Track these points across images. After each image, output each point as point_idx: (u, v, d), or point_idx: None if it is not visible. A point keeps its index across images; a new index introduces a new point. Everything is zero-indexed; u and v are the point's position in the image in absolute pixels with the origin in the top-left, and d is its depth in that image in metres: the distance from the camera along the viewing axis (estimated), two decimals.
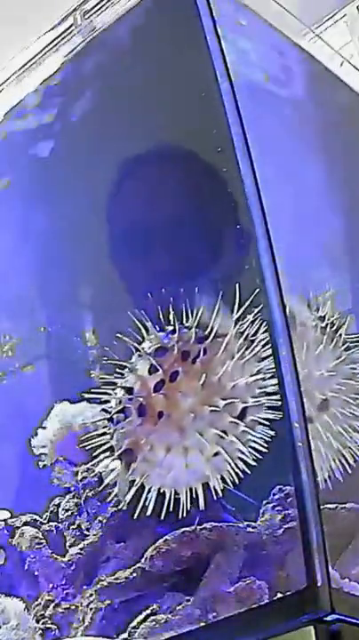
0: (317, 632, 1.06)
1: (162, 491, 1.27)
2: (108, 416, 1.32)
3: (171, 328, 1.30)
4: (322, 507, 1.13)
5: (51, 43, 1.62)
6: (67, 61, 1.60)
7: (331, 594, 1.08)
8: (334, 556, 1.24)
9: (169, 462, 1.25)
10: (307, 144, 1.56)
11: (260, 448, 1.24)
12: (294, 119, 1.55)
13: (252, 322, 1.25)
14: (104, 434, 1.32)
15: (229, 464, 1.25)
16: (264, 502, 1.28)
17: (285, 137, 1.49)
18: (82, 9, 1.58)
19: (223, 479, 1.26)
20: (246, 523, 1.27)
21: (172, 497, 1.26)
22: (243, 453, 1.25)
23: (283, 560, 1.20)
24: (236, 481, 1.26)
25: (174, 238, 1.44)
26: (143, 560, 1.28)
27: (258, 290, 1.23)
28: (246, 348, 1.25)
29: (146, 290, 1.37)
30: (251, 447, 1.25)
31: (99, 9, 1.56)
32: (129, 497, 1.28)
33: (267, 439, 1.23)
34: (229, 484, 1.26)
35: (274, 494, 1.28)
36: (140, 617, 1.24)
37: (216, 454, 1.25)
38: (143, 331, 1.32)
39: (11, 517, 1.48)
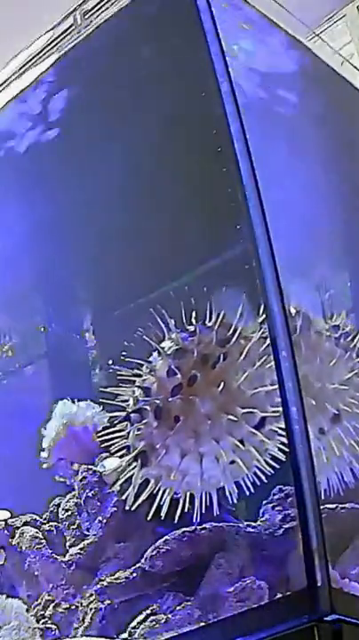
0: (319, 631, 1.06)
1: (176, 494, 1.26)
2: (123, 414, 1.30)
3: (191, 329, 1.28)
4: (322, 507, 1.13)
5: (51, 43, 1.62)
6: (67, 60, 1.60)
7: (331, 594, 1.07)
8: (334, 557, 1.24)
9: (184, 467, 1.24)
10: (308, 144, 1.56)
11: (278, 456, 1.23)
12: (295, 119, 1.55)
13: None
14: (120, 430, 1.31)
15: (246, 473, 1.24)
16: (264, 502, 1.28)
17: (286, 137, 1.49)
18: (82, 9, 1.58)
19: (238, 485, 1.26)
20: (246, 523, 1.27)
21: (187, 501, 1.25)
22: (259, 462, 1.24)
23: (283, 560, 1.20)
24: (252, 489, 1.25)
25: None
26: (143, 560, 1.27)
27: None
28: (269, 355, 1.21)
29: (169, 288, 1.36)
30: (269, 455, 1.24)
31: (99, 9, 1.56)
32: (141, 498, 1.27)
33: (284, 448, 1.20)
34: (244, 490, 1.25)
35: (274, 494, 1.28)
36: (140, 617, 1.24)
37: (232, 462, 1.24)
38: (164, 329, 1.29)
39: (11, 517, 1.48)
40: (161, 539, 1.26)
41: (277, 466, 1.23)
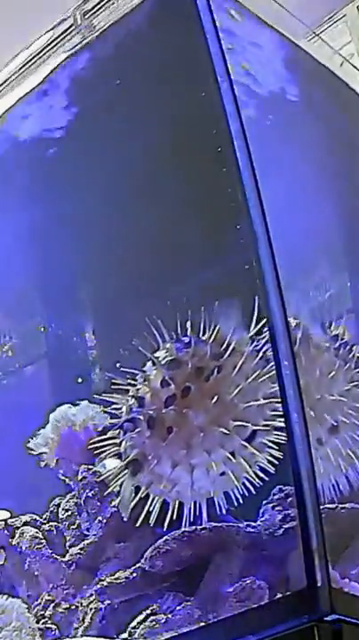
0: (319, 631, 1.06)
1: (166, 502, 1.26)
2: (117, 422, 1.30)
3: (186, 340, 1.28)
4: (322, 507, 1.13)
5: (51, 43, 1.62)
6: (68, 61, 1.60)
7: (331, 594, 1.07)
8: (334, 557, 1.24)
9: (174, 477, 1.24)
10: (308, 144, 1.56)
11: (267, 469, 1.24)
12: (295, 119, 1.55)
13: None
14: (113, 438, 1.31)
15: (235, 485, 1.25)
16: (264, 502, 1.28)
17: (285, 138, 1.49)
18: (82, 9, 1.58)
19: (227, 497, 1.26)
20: (246, 523, 1.27)
21: (176, 509, 1.26)
22: (248, 474, 1.24)
23: (283, 560, 1.20)
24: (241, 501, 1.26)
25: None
26: (143, 560, 1.28)
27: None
28: (262, 368, 1.23)
29: (165, 298, 1.36)
30: (258, 467, 1.24)
31: (99, 9, 1.56)
32: (132, 504, 1.27)
33: (274, 461, 1.22)
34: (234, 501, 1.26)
35: (274, 494, 1.28)
36: (140, 617, 1.24)
37: (222, 474, 1.24)
38: (159, 339, 1.30)
39: (11, 517, 1.48)
40: (161, 539, 1.26)
41: (266, 478, 1.24)
